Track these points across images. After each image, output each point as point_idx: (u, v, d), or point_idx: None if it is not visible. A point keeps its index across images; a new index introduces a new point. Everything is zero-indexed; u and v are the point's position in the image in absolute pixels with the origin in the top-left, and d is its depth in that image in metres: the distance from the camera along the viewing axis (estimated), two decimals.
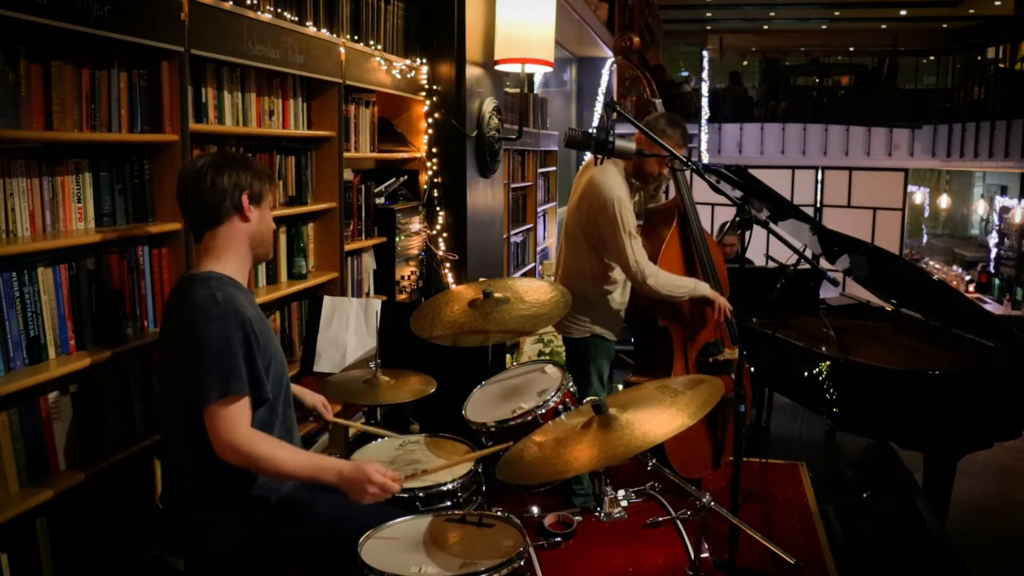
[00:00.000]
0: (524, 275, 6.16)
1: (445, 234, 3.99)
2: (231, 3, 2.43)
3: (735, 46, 19.89)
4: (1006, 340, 3.52)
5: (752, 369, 3.55)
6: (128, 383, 2.16)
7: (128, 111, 2.14)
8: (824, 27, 20.30)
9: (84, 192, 2.07)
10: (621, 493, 2.23)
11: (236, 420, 1.73)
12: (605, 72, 8.84)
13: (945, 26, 18.98)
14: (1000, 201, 13.70)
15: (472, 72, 4.02)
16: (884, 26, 19.18)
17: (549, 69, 4.07)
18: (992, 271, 12.64)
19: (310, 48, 2.88)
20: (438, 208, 3.96)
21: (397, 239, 3.67)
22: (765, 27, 20.60)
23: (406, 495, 2.00)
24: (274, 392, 1.86)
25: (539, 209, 6.61)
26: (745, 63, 18.70)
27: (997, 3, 16.23)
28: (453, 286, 3.87)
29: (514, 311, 2.45)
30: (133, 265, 2.18)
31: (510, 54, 3.87)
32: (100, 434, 2.07)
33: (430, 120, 3.91)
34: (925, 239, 17.63)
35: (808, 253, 3.49)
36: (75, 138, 2.00)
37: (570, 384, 2.34)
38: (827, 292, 4.62)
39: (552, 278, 3.73)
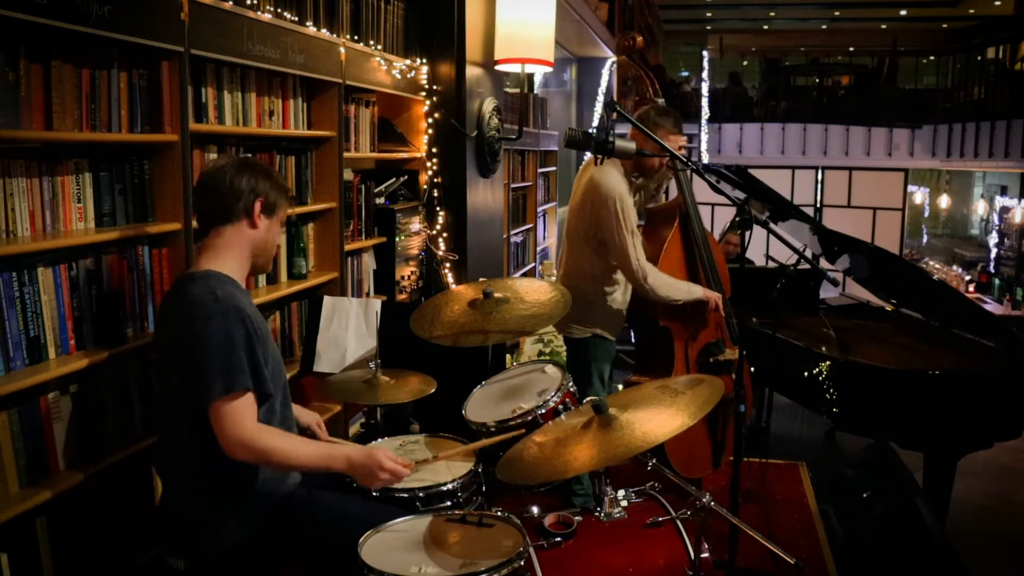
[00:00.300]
0: (524, 275, 6.16)
1: (445, 234, 3.99)
2: (231, 3, 2.43)
3: (735, 46, 19.90)
4: (1006, 340, 3.52)
5: (752, 369, 3.55)
6: (128, 383, 2.17)
7: (128, 111, 2.14)
8: (824, 27, 20.31)
9: (84, 192, 2.07)
10: (621, 493, 2.23)
11: (242, 415, 1.73)
12: (605, 72, 8.84)
13: (945, 26, 19.00)
14: (1000, 201, 13.70)
15: (472, 72, 4.02)
16: (884, 26, 19.19)
17: (549, 69, 4.07)
18: (992, 271, 12.64)
19: (310, 48, 2.88)
20: (438, 208, 3.96)
21: (397, 239, 3.67)
22: (765, 27, 20.60)
23: (406, 495, 2.00)
24: (273, 390, 1.86)
25: (539, 209, 6.61)
26: (745, 63, 18.71)
27: (997, 3, 16.24)
28: (453, 286, 3.87)
29: (514, 311, 2.45)
30: (133, 265, 2.18)
31: (510, 54, 3.87)
32: (100, 434, 2.07)
33: (430, 120, 3.91)
34: (925, 239, 17.62)
35: (808, 253, 3.48)
36: (75, 138, 2.00)
37: (570, 384, 2.34)
38: (827, 292, 4.61)
39: (553, 278, 3.72)
